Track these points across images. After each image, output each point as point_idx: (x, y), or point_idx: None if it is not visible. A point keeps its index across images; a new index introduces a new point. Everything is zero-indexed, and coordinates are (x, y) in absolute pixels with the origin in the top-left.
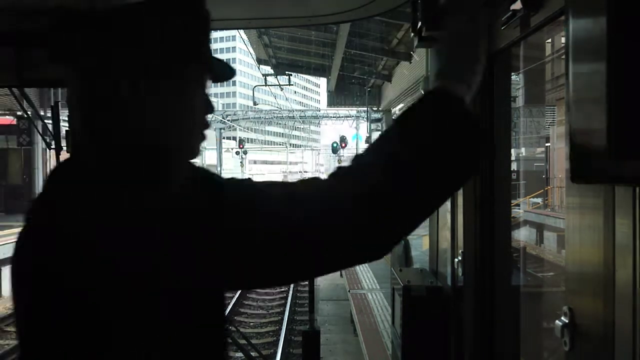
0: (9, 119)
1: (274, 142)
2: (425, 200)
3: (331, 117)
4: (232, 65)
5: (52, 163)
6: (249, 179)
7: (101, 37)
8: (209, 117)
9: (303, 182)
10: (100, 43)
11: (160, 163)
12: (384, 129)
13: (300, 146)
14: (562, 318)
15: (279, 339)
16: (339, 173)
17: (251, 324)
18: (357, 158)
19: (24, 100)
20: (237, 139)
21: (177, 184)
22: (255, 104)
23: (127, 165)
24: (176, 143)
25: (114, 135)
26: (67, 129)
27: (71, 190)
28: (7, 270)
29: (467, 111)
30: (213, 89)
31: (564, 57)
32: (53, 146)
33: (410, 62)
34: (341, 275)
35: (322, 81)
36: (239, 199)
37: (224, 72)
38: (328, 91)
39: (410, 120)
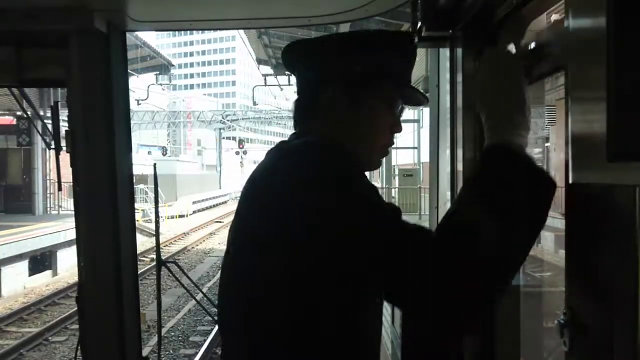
0: (8, 119)
1: (274, 142)
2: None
3: None
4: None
5: (52, 163)
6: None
7: (320, 56)
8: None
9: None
10: (318, 62)
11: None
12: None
13: None
14: (562, 318)
15: None
16: (443, 235)
17: None
18: (450, 228)
19: (24, 100)
20: (237, 139)
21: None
22: (255, 104)
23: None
24: (358, 151)
25: (316, 131)
26: (66, 129)
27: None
28: (7, 270)
29: (529, 161)
30: (213, 89)
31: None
32: (53, 146)
33: None
34: None
35: None
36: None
37: (418, 98)
38: None
39: (486, 185)
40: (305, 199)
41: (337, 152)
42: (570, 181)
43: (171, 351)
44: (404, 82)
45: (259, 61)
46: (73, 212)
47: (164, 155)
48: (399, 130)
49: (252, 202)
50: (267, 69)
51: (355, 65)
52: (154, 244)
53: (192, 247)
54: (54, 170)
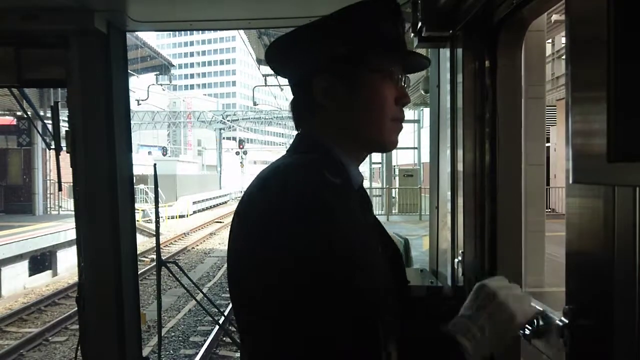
0: (9, 119)
1: (274, 142)
2: None
3: None
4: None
5: (52, 163)
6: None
7: (300, 51)
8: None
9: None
10: (302, 55)
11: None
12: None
13: None
14: (562, 318)
15: None
16: None
17: None
18: None
19: (24, 101)
20: (237, 139)
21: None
22: (255, 104)
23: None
24: (369, 135)
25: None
26: (66, 129)
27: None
28: (7, 270)
29: None
30: (213, 90)
31: (564, 57)
32: (53, 146)
33: None
34: None
35: None
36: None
37: (418, 62)
38: None
39: None
40: (278, 238)
41: (314, 190)
42: (570, 181)
43: (171, 351)
44: (397, 48)
45: (259, 61)
46: (73, 213)
47: (164, 155)
48: (407, 100)
49: (236, 231)
50: (268, 69)
51: (340, 47)
52: (154, 244)
53: (192, 247)
54: (54, 170)
